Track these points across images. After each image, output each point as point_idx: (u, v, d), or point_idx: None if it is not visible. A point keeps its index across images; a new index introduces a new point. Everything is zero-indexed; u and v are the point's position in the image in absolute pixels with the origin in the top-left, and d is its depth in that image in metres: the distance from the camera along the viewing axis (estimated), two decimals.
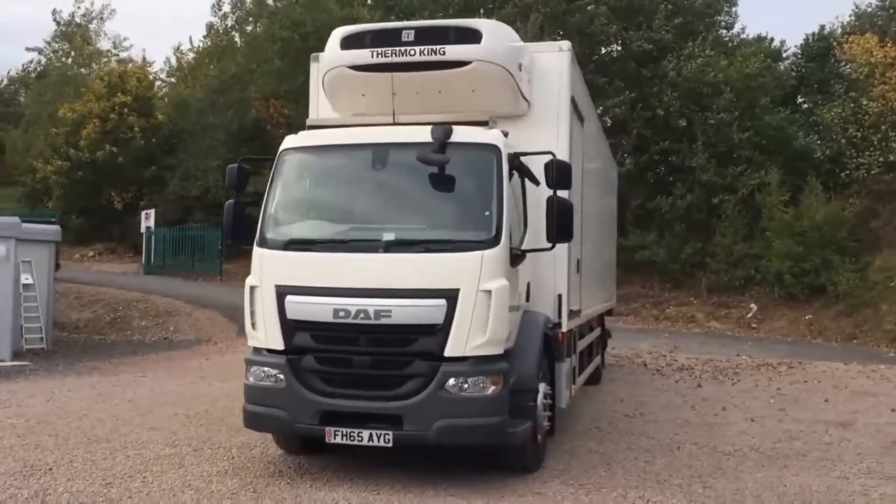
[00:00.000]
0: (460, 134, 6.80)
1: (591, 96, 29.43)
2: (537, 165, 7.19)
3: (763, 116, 26.56)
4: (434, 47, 7.43)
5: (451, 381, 6.39)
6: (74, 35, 41.68)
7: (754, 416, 10.42)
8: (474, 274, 6.43)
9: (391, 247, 6.62)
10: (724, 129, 25.81)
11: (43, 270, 17.77)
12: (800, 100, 32.73)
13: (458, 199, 6.81)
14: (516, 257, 6.84)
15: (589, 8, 27.72)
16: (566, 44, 8.29)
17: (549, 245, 6.94)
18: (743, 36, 31.57)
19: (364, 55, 7.57)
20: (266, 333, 6.78)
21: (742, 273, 25.64)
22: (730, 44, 30.37)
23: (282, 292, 6.71)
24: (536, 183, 7.35)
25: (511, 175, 7.19)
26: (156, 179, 32.97)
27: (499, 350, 6.55)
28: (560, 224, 6.86)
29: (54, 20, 42.05)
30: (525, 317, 7.35)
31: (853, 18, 31.32)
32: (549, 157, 6.96)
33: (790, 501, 6.68)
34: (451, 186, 6.77)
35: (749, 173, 25.55)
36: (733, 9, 31.79)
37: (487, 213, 6.65)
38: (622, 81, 27.59)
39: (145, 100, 35.05)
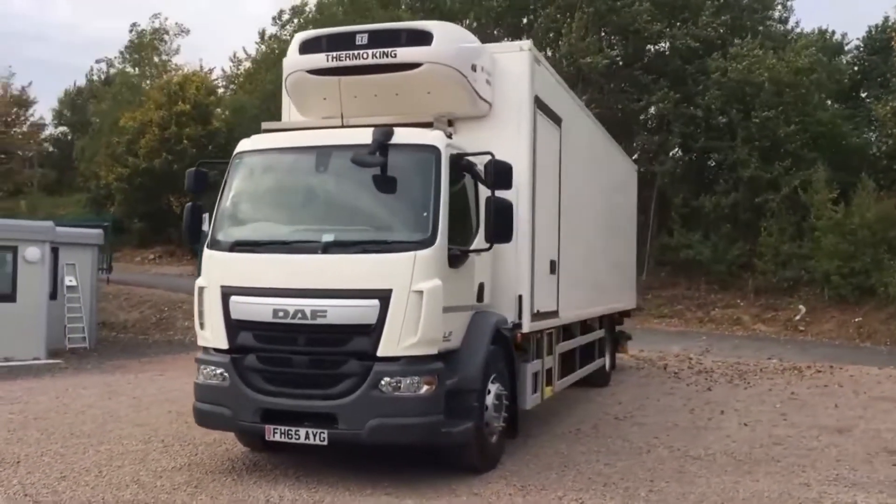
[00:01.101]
0: (401, 136, 6.84)
1: (637, 94, 29.31)
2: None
3: (813, 112, 25.75)
4: (386, 50, 7.51)
5: (384, 381, 6.45)
6: (146, 47, 43.23)
7: (749, 421, 10.16)
8: (406, 274, 6.47)
9: (329, 248, 6.71)
10: (769, 123, 25.09)
11: (86, 272, 18.54)
12: (863, 94, 31.62)
13: (397, 200, 6.86)
14: (456, 258, 6.84)
15: (633, 7, 27.35)
16: (527, 44, 8.25)
17: (487, 245, 6.92)
18: (798, 30, 30.69)
19: (320, 59, 7.70)
20: (212, 333, 6.96)
21: (791, 274, 24.93)
22: (785, 37, 29.54)
23: (226, 293, 6.88)
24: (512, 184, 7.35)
25: (463, 176, 7.23)
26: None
27: (432, 350, 6.57)
28: (498, 224, 6.84)
29: (130, 32, 43.79)
30: (475, 318, 7.33)
31: None
32: (489, 157, 6.93)
33: None
34: (390, 188, 6.82)
35: (794, 172, 24.80)
36: (788, 2, 30.93)
37: (425, 213, 6.68)
38: (668, 79, 27.13)
39: (203, 107, 36.07)
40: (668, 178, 27.82)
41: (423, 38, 7.50)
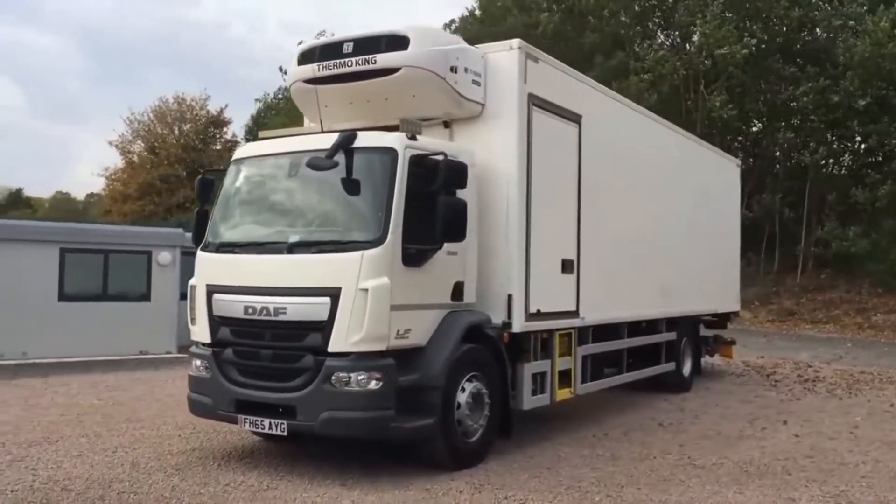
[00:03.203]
0: (362, 139, 7.07)
1: (779, 85, 27.19)
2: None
3: None
4: (367, 57, 7.77)
5: (334, 376, 6.69)
6: None
7: (806, 433, 9.42)
8: (354, 273, 6.68)
9: (294, 248, 7.08)
10: None
11: None
12: None
13: (355, 202, 7.05)
14: (413, 257, 6.95)
15: None
16: (517, 42, 8.18)
17: (438, 245, 6.99)
18: None
19: (313, 69, 8.09)
20: (200, 328, 7.53)
21: None
22: None
23: (210, 291, 7.42)
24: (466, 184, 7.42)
25: (434, 177, 7.30)
26: None
27: (379, 347, 6.72)
28: (447, 223, 6.90)
29: None
30: (448, 317, 7.40)
31: None
32: (442, 157, 7.01)
33: None
34: (352, 190, 7.01)
35: None
36: None
37: (378, 213, 6.87)
38: (810, 67, 25.28)
39: None
40: (818, 171, 25.85)
41: (401, 43, 7.69)
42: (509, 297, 7.96)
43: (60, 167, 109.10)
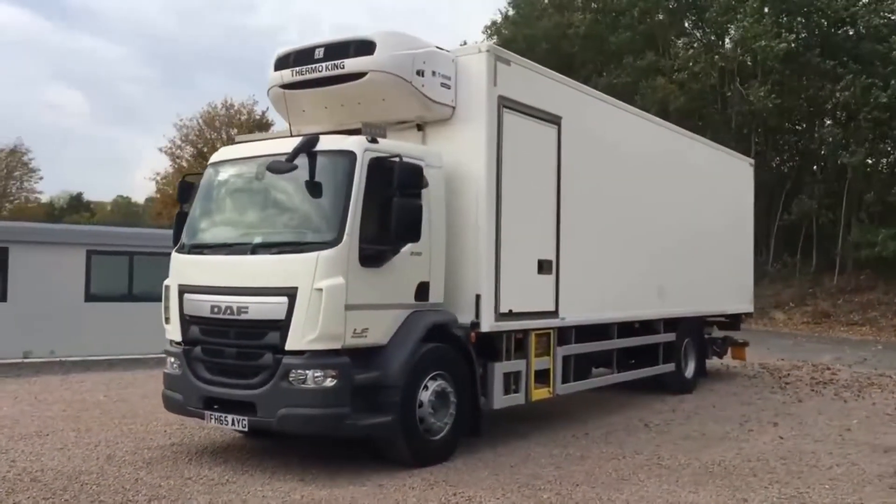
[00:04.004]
0: (324, 142, 7.25)
1: (820, 81, 26.69)
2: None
3: None
4: (336, 62, 7.96)
5: (291, 373, 6.87)
6: None
7: (792, 435, 9.29)
8: (310, 273, 6.85)
9: (257, 249, 7.29)
10: None
11: None
12: None
13: (316, 204, 7.21)
14: (371, 257, 7.08)
15: None
16: (485, 44, 8.27)
17: (392, 246, 7.12)
18: None
19: (287, 75, 8.30)
20: (173, 327, 7.79)
21: None
22: None
23: (182, 290, 7.68)
24: (426, 185, 7.53)
25: (408, 180, 7.41)
26: None
27: (334, 345, 6.87)
28: (400, 225, 7.03)
29: None
30: (410, 316, 7.51)
31: None
32: (397, 158, 7.14)
33: None
34: (314, 192, 7.16)
35: None
36: None
37: (336, 215, 7.03)
38: (854, 64, 24.68)
39: None
40: (859, 171, 25.21)
41: (367, 48, 7.84)
42: (477, 297, 8.03)
43: (122, 171, 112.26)
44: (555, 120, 9.13)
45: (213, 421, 7.38)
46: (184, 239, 8.02)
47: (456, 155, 8.13)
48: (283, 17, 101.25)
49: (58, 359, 15.85)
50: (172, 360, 7.78)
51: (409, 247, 7.43)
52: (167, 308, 7.90)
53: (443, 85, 8.12)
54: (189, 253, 7.86)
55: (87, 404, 10.77)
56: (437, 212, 7.80)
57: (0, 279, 15.92)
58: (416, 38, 8.13)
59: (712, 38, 31.50)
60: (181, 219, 8.32)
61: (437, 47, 8.32)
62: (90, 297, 16.82)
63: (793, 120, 30.10)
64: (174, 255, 7.99)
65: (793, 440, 9.01)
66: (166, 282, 7.95)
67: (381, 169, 7.24)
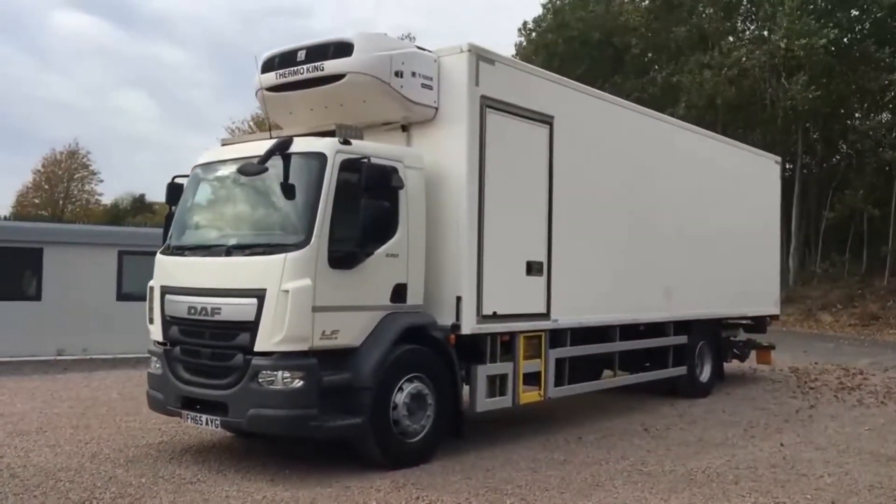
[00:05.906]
0: (296, 144, 7.27)
1: (874, 71, 25.63)
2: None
3: None
4: (316, 64, 8.00)
5: (260, 374, 6.92)
6: None
7: (797, 442, 8.99)
8: (278, 275, 6.88)
9: (231, 251, 7.36)
10: None
11: None
12: None
13: (287, 206, 7.22)
14: (342, 259, 7.08)
15: None
16: (467, 44, 8.15)
17: (360, 248, 7.10)
18: None
19: (272, 78, 8.37)
20: (155, 327, 7.92)
21: None
22: None
23: (163, 291, 7.81)
24: (398, 186, 7.51)
25: (375, 181, 7.40)
26: None
27: (301, 347, 6.89)
28: (367, 226, 7.01)
29: None
30: (385, 318, 7.49)
31: None
32: (366, 160, 7.13)
33: None
34: (286, 194, 7.17)
35: None
36: None
37: (306, 217, 7.04)
38: None
39: None
40: None
41: (346, 50, 7.85)
42: (458, 298, 7.97)
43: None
44: (546, 120, 9.00)
45: (189, 420, 7.48)
46: (168, 241, 8.15)
47: (439, 156, 8.09)
48: (340, 21, 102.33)
49: (89, 357, 16.27)
50: (155, 359, 7.91)
51: (384, 248, 7.43)
52: (151, 308, 8.03)
53: (424, 86, 8.07)
54: (171, 254, 7.97)
55: (98, 402, 11.02)
56: (415, 213, 7.77)
57: (35, 279, 16.40)
58: (396, 39, 8.11)
59: (764, 34, 30.76)
60: (169, 220, 8.46)
61: (419, 48, 8.31)
62: (122, 296, 17.19)
63: (842, 113, 29.16)
64: (158, 257, 8.12)
65: (793, 447, 8.71)
66: (150, 282, 8.08)
67: (353, 171, 7.24)
